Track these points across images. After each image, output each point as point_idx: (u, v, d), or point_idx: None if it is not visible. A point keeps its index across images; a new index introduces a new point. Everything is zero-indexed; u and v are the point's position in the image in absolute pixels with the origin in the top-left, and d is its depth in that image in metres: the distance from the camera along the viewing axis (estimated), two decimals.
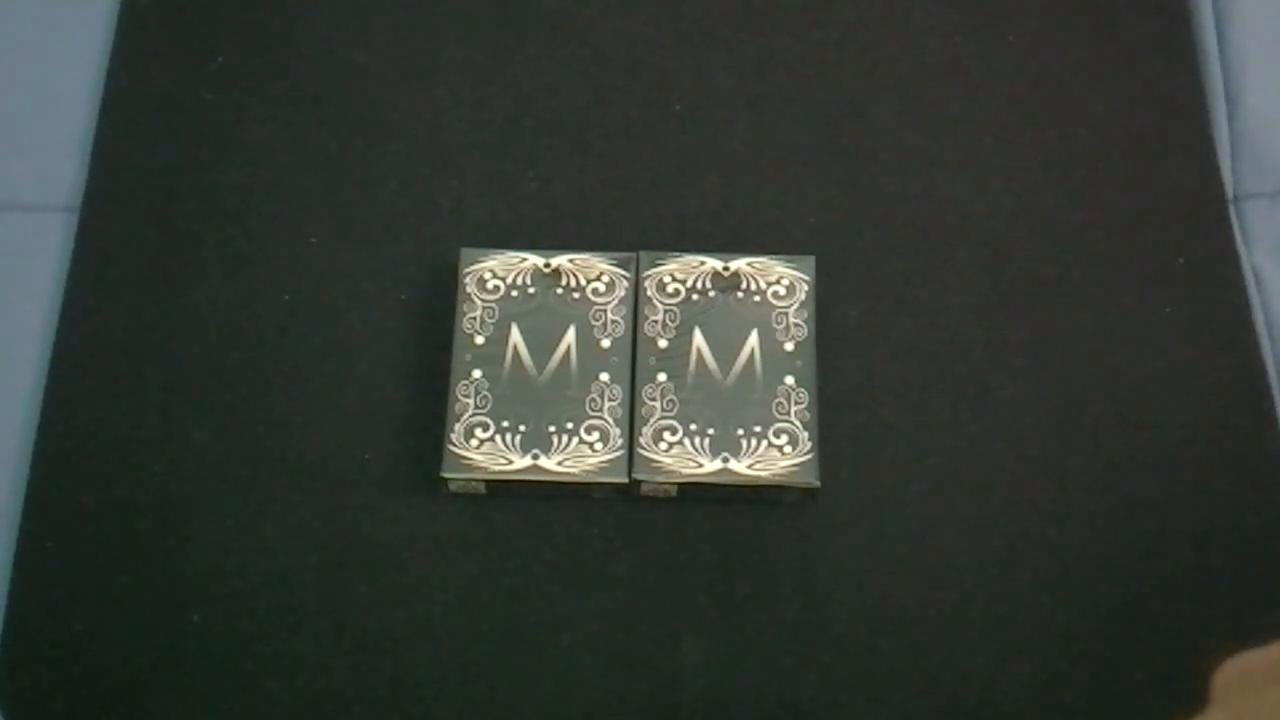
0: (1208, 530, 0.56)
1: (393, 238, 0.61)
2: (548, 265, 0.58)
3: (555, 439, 0.55)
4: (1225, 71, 0.66)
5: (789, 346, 0.57)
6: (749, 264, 0.58)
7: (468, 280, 0.58)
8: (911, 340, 0.59)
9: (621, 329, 0.57)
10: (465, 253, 0.59)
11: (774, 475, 0.54)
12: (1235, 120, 0.65)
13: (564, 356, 0.57)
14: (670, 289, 0.58)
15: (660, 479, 0.55)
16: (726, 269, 0.58)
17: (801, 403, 0.56)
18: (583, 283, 0.58)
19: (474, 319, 0.57)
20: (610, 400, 0.56)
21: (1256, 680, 0.26)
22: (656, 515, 0.56)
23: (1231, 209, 0.63)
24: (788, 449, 0.55)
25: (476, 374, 0.56)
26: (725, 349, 0.57)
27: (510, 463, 0.55)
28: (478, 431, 0.55)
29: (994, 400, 0.58)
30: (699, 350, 0.57)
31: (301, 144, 0.63)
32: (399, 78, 0.65)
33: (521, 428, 0.55)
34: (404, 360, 0.59)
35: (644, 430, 0.55)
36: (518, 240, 0.61)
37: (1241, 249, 0.62)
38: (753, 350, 0.57)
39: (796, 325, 0.57)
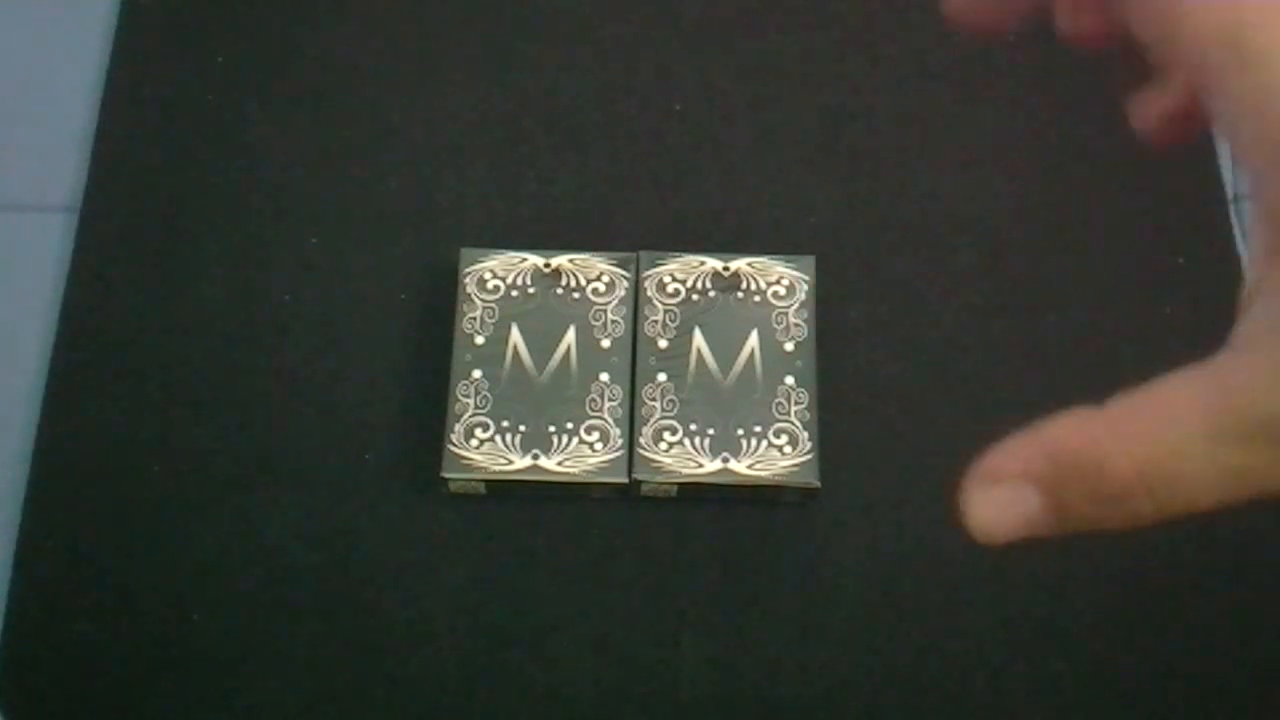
0: (1208, 529, 0.56)
1: (393, 238, 0.61)
2: (548, 265, 0.58)
3: (555, 439, 0.55)
4: None
5: (789, 346, 0.57)
6: (749, 264, 0.58)
7: (468, 280, 0.58)
8: (911, 340, 0.60)
9: (621, 329, 0.57)
10: (465, 253, 0.59)
11: (774, 475, 0.54)
12: None
13: (564, 356, 0.57)
14: (670, 289, 0.58)
15: (660, 479, 0.55)
16: (726, 269, 0.58)
17: (801, 403, 0.56)
18: (583, 283, 0.58)
19: (474, 319, 0.57)
20: (610, 400, 0.56)
21: None
22: (656, 515, 0.56)
23: (1231, 209, 0.63)
24: (788, 449, 0.55)
25: (476, 374, 0.56)
26: (725, 349, 0.57)
27: (510, 463, 0.55)
28: (478, 431, 0.55)
29: (994, 400, 0.58)
30: (699, 350, 0.57)
31: (301, 144, 0.63)
32: (399, 78, 0.65)
33: (521, 428, 0.55)
34: (404, 360, 0.59)
35: (644, 430, 0.55)
36: (518, 240, 0.61)
37: (1241, 249, 0.62)
38: (753, 350, 0.57)
39: (796, 325, 0.57)
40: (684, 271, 0.58)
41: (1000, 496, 0.26)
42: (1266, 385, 0.23)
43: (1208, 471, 0.24)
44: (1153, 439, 0.24)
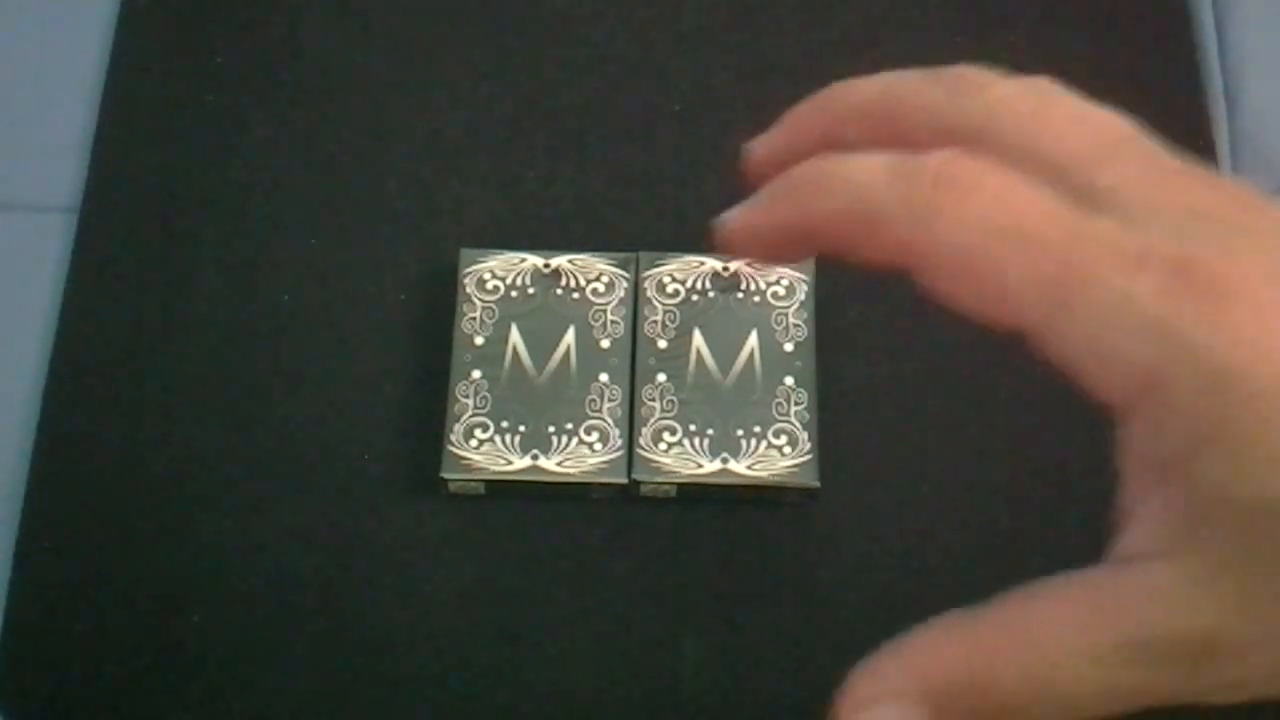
0: None
1: (393, 238, 0.61)
2: (547, 266, 0.58)
3: (555, 439, 0.55)
4: (1225, 71, 0.66)
5: (789, 347, 0.57)
6: (749, 264, 0.58)
7: (467, 281, 0.58)
8: (911, 340, 0.59)
9: (621, 329, 0.57)
10: (465, 253, 0.59)
11: (773, 476, 0.54)
12: (1235, 120, 0.65)
13: (563, 357, 0.57)
14: (670, 289, 0.58)
15: (660, 479, 0.55)
16: (726, 269, 0.58)
17: (801, 403, 0.56)
18: (582, 283, 0.58)
19: (473, 319, 0.57)
20: (610, 401, 0.56)
21: None
22: (656, 515, 0.56)
23: None
24: (787, 449, 0.55)
25: (476, 374, 0.56)
26: (725, 349, 0.57)
27: (510, 463, 0.55)
28: (477, 432, 0.55)
29: (994, 400, 0.58)
30: (698, 351, 0.57)
31: (301, 144, 0.63)
32: (399, 78, 0.65)
33: (521, 428, 0.55)
34: (404, 360, 0.59)
35: (643, 431, 0.55)
36: (518, 240, 0.61)
37: None
38: (752, 351, 0.57)
39: (796, 326, 0.57)
40: (683, 272, 0.58)
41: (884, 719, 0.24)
42: (1146, 606, 0.23)
43: (1096, 689, 0.23)
44: (1037, 654, 0.23)
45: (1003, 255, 0.23)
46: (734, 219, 0.28)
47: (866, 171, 0.25)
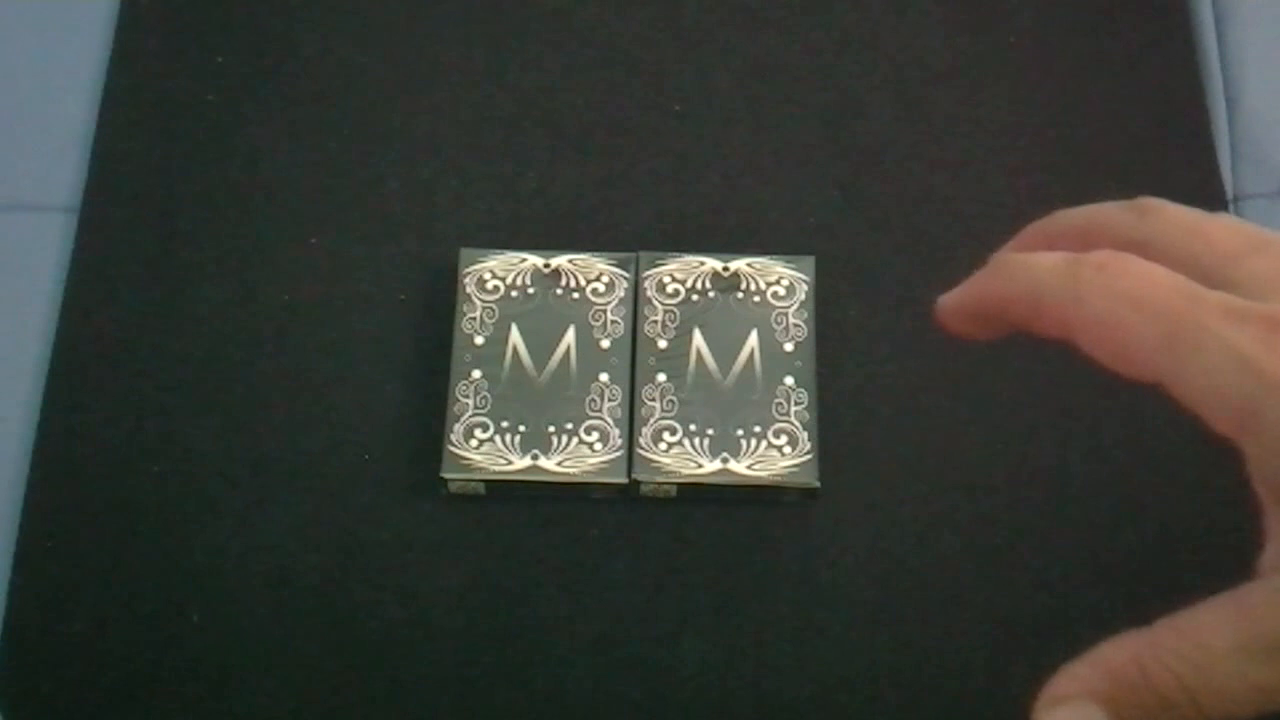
0: (1209, 530, 0.56)
1: (393, 238, 0.61)
2: (547, 265, 0.58)
3: (555, 439, 0.55)
4: (1225, 71, 0.66)
5: (789, 347, 0.57)
6: (749, 264, 0.58)
7: (467, 280, 0.58)
8: (911, 340, 0.60)
9: (621, 329, 0.57)
10: (465, 253, 0.59)
11: (773, 476, 0.54)
12: (1235, 120, 0.65)
13: (563, 357, 0.57)
14: (670, 289, 0.58)
15: (660, 479, 0.55)
16: (726, 269, 0.58)
17: (801, 403, 0.56)
18: (582, 283, 0.58)
19: (473, 319, 0.57)
20: (610, 401, 0.56)
21: None
22: (656, 515, 0.56)
23: (1231, 209, 0.63)
24: (787, 449, 0.55)
25: (476, 374, 0.56)
26: (725, 349, 0.57)
27: (510, 463, 0.55)
28: (477, 432, 0.55)
29: (994, 400, 0.58)
30: (698, 350, 0.57)
31: (301, 144, 0.63)
32: (399, 78, 0.65)
33: (521, 428, 0.55)
34: (404, 360, 0.59)
35: (643, 431, 0.55)
36: (518, 240, 0.61)
37: None
38: (752, 350, 0.57)
39: (796, 325, 0.57)
40: (684, 272, 0.58)
41: (1067, 716, 0.29)
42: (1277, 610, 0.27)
43: (1239, 686, 0.27)
44: (1188, 656, 0.27)
45: (1134, 321, 0.28)
46: (945, 299, 0.35)
47: (1043, 263, 0.31)
